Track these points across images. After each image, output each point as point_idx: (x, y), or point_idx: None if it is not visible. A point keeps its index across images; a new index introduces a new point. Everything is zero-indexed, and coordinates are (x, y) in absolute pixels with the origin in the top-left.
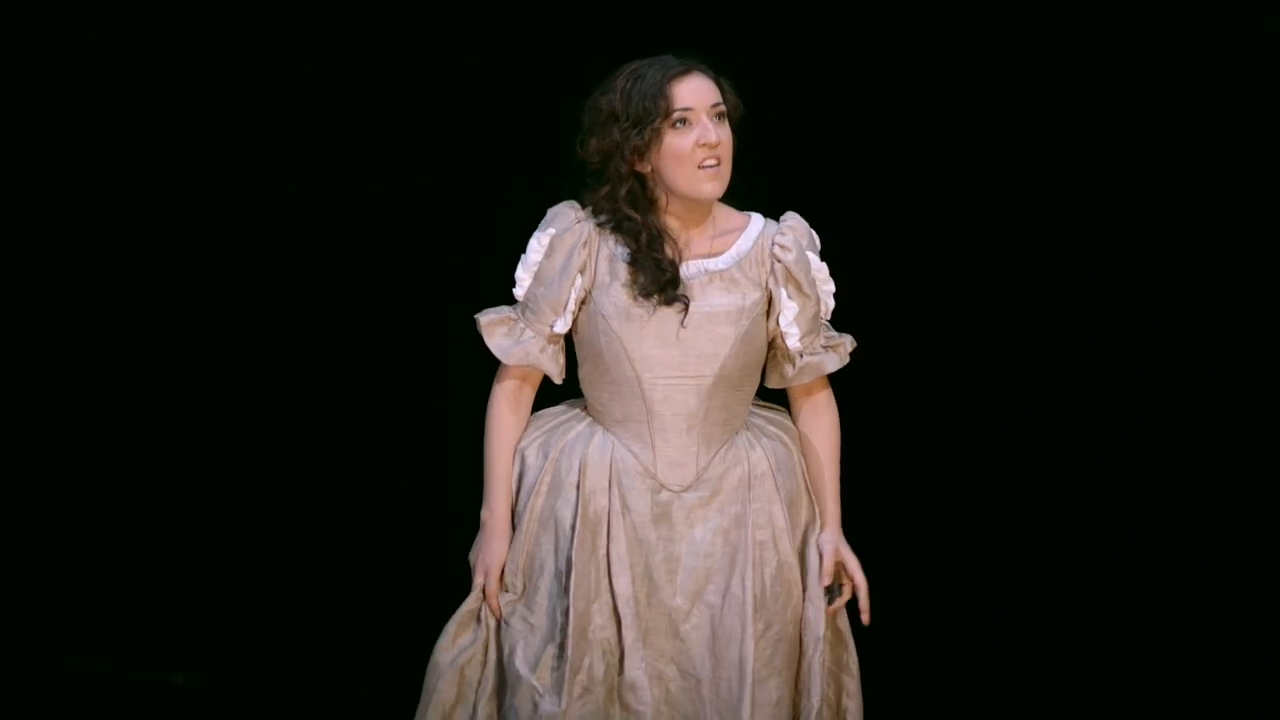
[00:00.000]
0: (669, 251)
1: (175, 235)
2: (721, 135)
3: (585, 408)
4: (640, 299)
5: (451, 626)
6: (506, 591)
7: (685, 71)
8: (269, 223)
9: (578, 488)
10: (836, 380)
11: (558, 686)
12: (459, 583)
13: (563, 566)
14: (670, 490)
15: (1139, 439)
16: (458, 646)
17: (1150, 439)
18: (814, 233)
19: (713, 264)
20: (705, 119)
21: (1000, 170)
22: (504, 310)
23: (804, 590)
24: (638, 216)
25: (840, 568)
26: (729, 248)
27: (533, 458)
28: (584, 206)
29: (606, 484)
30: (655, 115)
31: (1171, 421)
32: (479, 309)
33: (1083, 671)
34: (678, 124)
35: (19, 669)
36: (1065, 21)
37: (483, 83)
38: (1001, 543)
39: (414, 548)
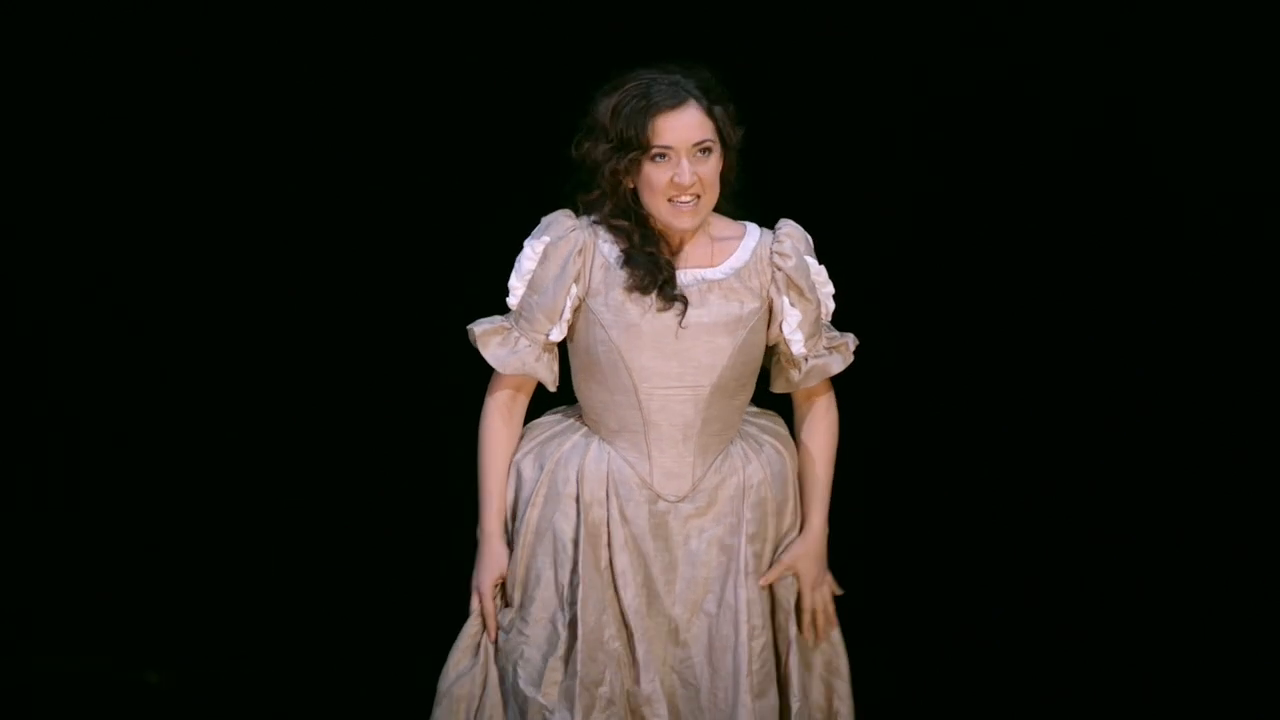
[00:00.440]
0: (664, 250)
1: (172, 235)
2: (701, 172)
3: (579, 417)
4: (637, 299)
5: (453, 654)
6: (507, 606)
7: (676, 105)
8: (269, 223)
9: (576, 500)
10: (836, 380)
11: (567, 701)
12: (453, 583)
13: (564, 579)
14: (666, 500)
15: (1139, 439)
16: (457, 672)
17: (1150, 439)
18: (809, 236)
19: (710, 273)
20: (684, 159)
21: (1001, 170)
22: (497, 320)
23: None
24: (627, 222)
25: (793, 575)
26: (726, 257)
27: (528, 470)
28: (578, 206)
29: (604, 495)
30: (635, 146)
31: (1171, 421)
32: (476, 309)
33: (1083, 671)
34: (656, 158)
35: None
36: (1065, 20)
37: (485, 84)
38: (1001, 543)
39: (408, 548)
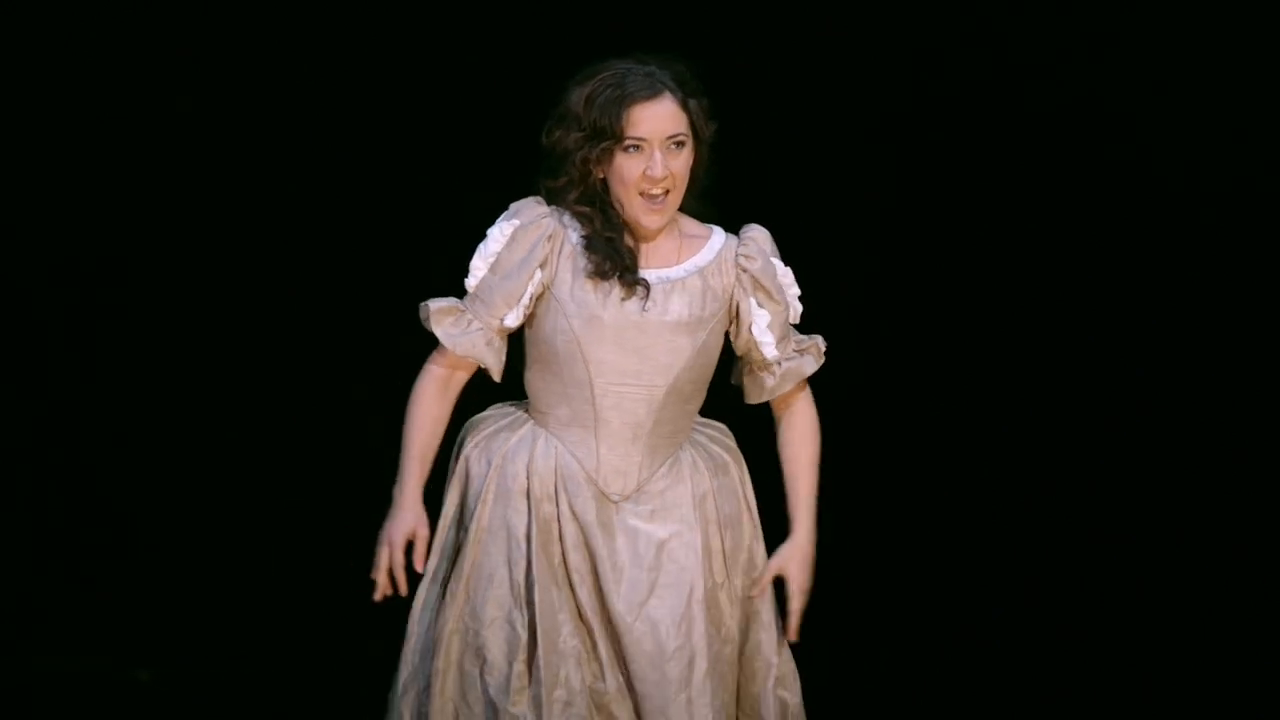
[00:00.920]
0: (626, 240)
1: (161, 235)
2: (673, 166)
3: (526, 410)
4: (600, 288)
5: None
6: (446, 597)
7: (651, 96)
8: (269, 223)
9: (527, 495)
10: (837, 380)
11: (536, 709)
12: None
13: (519, 578)
14: (611, 499)
15: (1139, 439)
16: (405, 685)
17: (1150, 439)
18: (773, 240)
19: (673, 273)
20: (657, 150)
21: (1001, 170)
22: (452, 300)
23: (749, 614)
24: (590, 208)
25: (783, 580)
26: (690, 256)
27: (476, 465)
28: (542, 192)
29: (554, 490)
30: (609, 136)
31: (1171, 421)
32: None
33: (1083, 671)
34: (629, 149)
35: None
36: (1055, 18)
37: (479, 83)
38: (1001, 543)
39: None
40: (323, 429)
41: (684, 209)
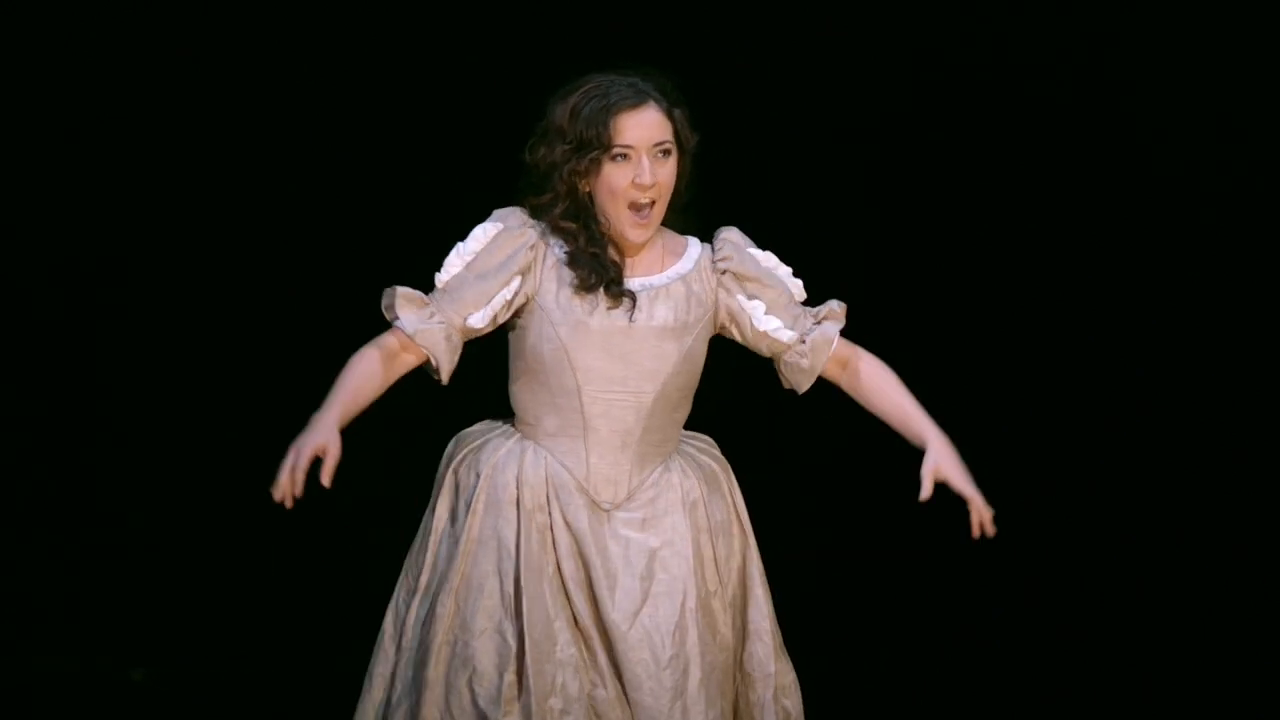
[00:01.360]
0: (611, 253)
1: (153, 236)
2: (660, 175)
3: (513, 424)
4: (586, 298)
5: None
6: (434, 610)
7: (636, 105)
8: (268, 223)
9: (517, 505)
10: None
11: (526, 717)
12: None
13: (509, 589)
14: (602, 507)
15: (1139, 439)
16: (397, 700)
17: (1150, 439)
18: (745, 235)
19: (657, 280)
20: (645, 158)
21: (1001, 169)
22: (418, 293)
23: (746, 624)
24: (575, 225)
25: (946, 487)
26: (672, 266)
27: (466, 477)
28: (527, 209)
29: (545, 500)
30: (596, 146)
31: (1171, 421)
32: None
33: (1083, 671)
34: (617, 158)
35: None
36: (1064, 17)
37: (479, 83)
38: (1001, 543)
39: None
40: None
41: (664, 222)
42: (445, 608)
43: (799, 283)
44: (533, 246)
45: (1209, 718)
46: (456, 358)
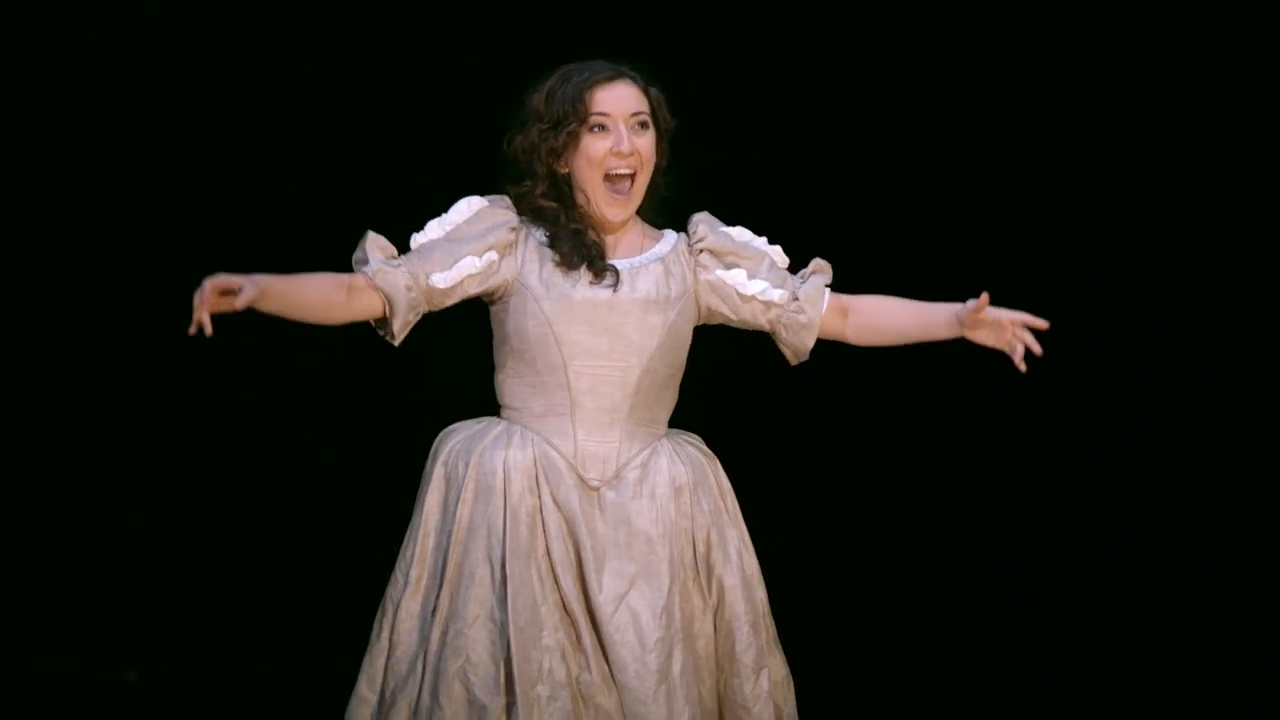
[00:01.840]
0: (591, 235)
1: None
2: (639, 144)
3: (499, 414)
4: (569, 274)
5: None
6: (431, 611)
7: (611, 78)
8: (268, 223)
9: (505, 490)
10: (837, 380)
11: (520, 704)
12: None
13: (499, 575)
14: (591, 485)
15: (1139, 439)
16: (393, 695)
17: (1150, 439)
18: (714, 218)
19: (637, 260)
20: (623, 127)
21: (1002, 168)
22: (391, 246)
23: (738, 617)
24: (555, 205)
25: (986, 321)
26: (649, 250)
27: (455, 467)
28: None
29: (534, 483)
30: (573, 119)
31: (1171, 421)
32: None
33: (1083, 671)
34: (595, 129)
35: None
36: (1064, 17)
37: (479, 84)
38: (1001, 543)
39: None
40: (317, 430)
41: (643, 217)
42: (438, 598)
43: (778, 248)
44: (514, 228)
45: (1209, 718)
46: (412, 317)
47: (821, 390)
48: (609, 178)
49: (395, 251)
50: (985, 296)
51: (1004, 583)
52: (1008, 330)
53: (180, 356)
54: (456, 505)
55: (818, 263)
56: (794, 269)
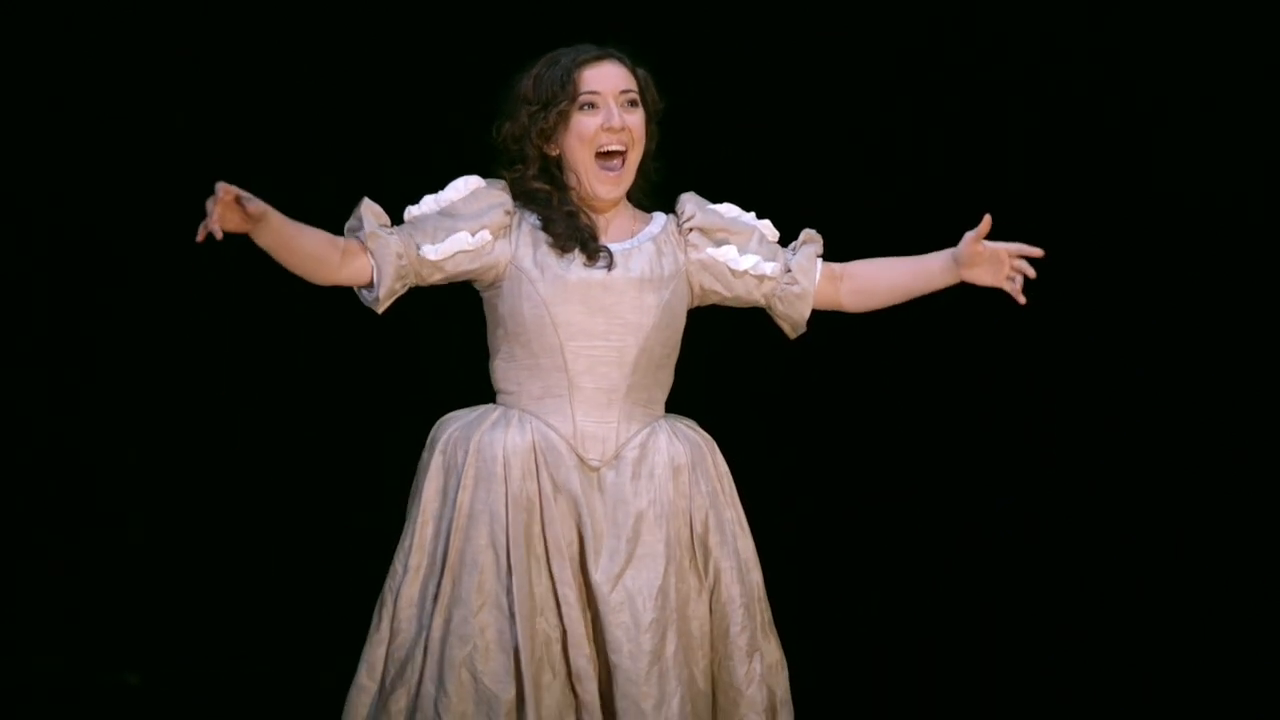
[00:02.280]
0: (583, 219)
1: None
2: (629, 121)
3: (495, 401)
4: (563, 256)
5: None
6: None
7: (599, 58)
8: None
9: (505, 476)
10: (837, 379)
11: (523, 691)
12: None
13: (504, 563)
14: (590, 465)
15: (1139, 439)
16: (392, 684)
17: (1150, 439)
18: (700, 198)
19: (629, 243)
20: (613, 103)
21: (1001, 168)
22: (385, 215)
23: (733, 600)
24: (548, 187)
25: (984, 255)
26: (640, 233)
27: (454, 455)
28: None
29: (533, 467)
30: (563, 98)
31: (1171, 421)
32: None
33: (1083, 671)
34: (584, 107)
35: None
36: (1064, 17)
37: (480, 84)
38: (1000, 542)
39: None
40: (317, 430)
41: (633, 202)
42: (439, 585)
43: (767, 222)
44: (509, 211)
45: (1209, 717)
46: (399, 286)
47: (818, 375)
48: (600, 155)
49: (389, 221)
50: (987, 219)
51: (1003, 578)
52: (1005, 263)
53: (180, 356)
54: (456, 492)
55: (808, 233)
56: (784, 244)
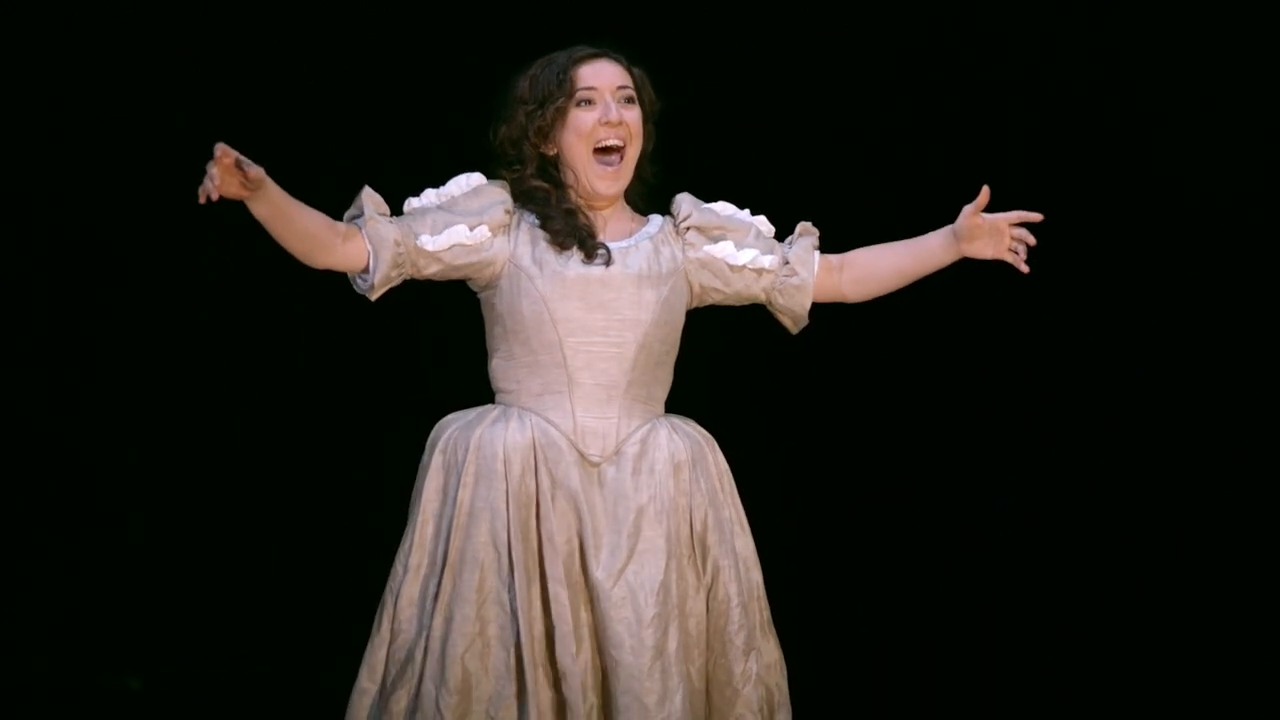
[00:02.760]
0: (581, 218)
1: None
2: (627, 117)
3: (494, 401)
4: (561, 253)
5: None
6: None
7: (595, 55)
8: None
9: (505, 473)
10: (836, 379)
11: (523, 688)
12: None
13: (505, 559)
14: (591, 461)
15: (1139, 439)
16: (393, 684)
17: (1150, 439)
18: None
19: (626, 242)
20: (610, 99)
21: (1000, 167)
22: (385, 205)
23: (731, 598)
24: (546, 185)
25: (984, 228)
26: (638, 232)
27: (455, 454)
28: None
29: (533, 464)
30: (560, 95)
31: (1171, 421)
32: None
33: (1083, 671)
34: (582, 103)
35: None
36: (1063, 17)
37: (480, 84)
38: (1000, 542)
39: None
40: (316, 431)
41: (630, 204)
42: (439, 583)
43: (762, 217)
44: (509, 210)
45: (1209, 717)
46: (394, 274)
47: (818, 374)
48: (599, 151)
49: (389, 211)
50: (985, 190)
51: (1003, 578)
52: (1005, 234)
53: (180, 356)
54: (457, 490)
55: (803, 225)
56: (780, 240)
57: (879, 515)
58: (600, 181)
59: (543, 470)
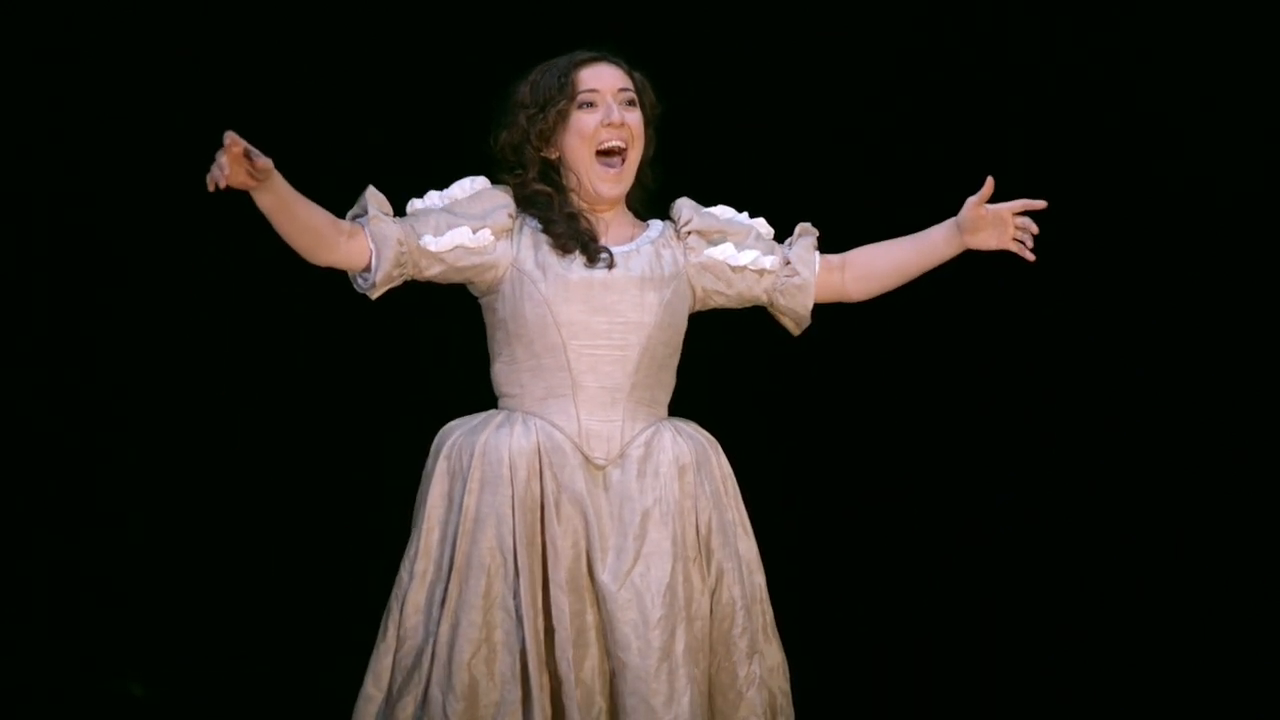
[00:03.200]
0: (583, 222)
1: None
2: (628, 118)
3: (497, 406)
4: (564, 257)
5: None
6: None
7: (596, 59)
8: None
9: (511, 478)
10: (835, 378)
11: (528, 692)
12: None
13: (512, 566)
14: (596, 464)
15: (1139, 439)
16: (399, 691)
17: (1150, 439)
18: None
19: (628, 246)
20: (611, 101)
21: (1000, 167)
22: (389, 206)
23: (735, 601)
24: (548, 189)
25: (987, 219)
26: (639, 237)
27: (459, 457)
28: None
29: (538, 469)
30: (561, 98)
31: (1171, 421)
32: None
33: (1083, 671)
34: (583, 106)
35: None
36: (1063, 16)
37: (480, 84)
38: (1000, 542)
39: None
40: (316, 432)
41: (631, 210)
42: (446, 589)
43: (761, 219)
44: (512, 214)
45: (1209, 717)
46: (396, 273)
47: (818, 375)
48: (601, 154)
49: (393, 211)
50: (990, 181)
51: (1003, 578)
52: (1009, 224)
53: (180, 356)
54: (462, 496)
55: (803, 226)
56: (780, 241)
57: (879, 515)
58: (603, 184)
59: (548, 475)
